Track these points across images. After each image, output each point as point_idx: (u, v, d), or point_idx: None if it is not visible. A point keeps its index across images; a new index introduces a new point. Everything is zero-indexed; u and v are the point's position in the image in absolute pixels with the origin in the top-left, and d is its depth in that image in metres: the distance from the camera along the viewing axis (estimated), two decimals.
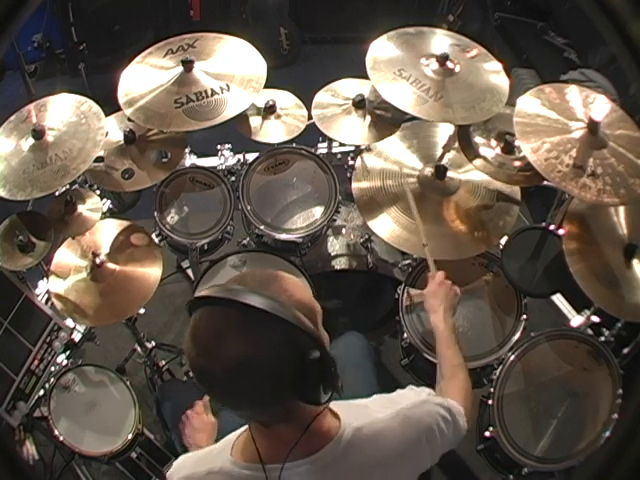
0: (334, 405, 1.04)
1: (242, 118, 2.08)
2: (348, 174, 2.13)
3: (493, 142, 1.94)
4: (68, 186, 1.97)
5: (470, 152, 1.92)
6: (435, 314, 1.58)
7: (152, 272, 1.95)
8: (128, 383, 1.98)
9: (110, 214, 2.19)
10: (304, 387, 0.96)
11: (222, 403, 1.02)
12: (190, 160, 2.27)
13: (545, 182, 1.79)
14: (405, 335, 1.95)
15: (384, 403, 1.17)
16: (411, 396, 1.21)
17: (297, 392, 0.96)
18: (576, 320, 1.97)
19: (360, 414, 1.12)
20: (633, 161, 1.70)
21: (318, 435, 1.05)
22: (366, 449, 1.08)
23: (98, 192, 2.07)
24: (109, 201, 2.22)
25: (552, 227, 1.93)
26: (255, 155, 2.21)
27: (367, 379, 1.81)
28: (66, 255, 1.98)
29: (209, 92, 1.96)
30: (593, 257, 1.74)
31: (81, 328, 2.06)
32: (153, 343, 2.32)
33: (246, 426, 1.10)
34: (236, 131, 2.11)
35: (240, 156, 2.30)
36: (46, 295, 2.02)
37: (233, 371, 0.94)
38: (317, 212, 2.14)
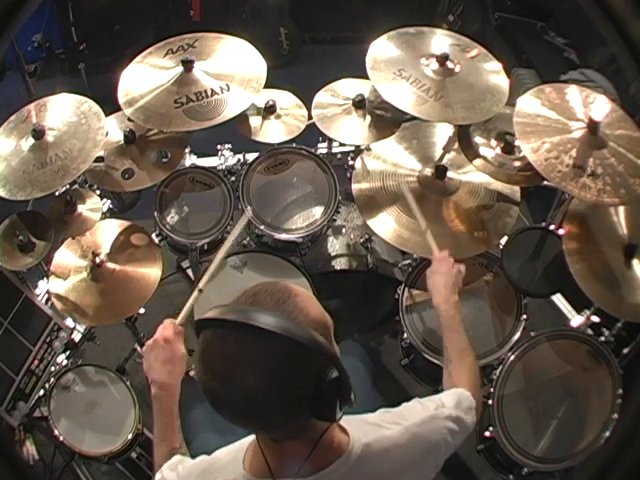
0: (342, 420, 1.03)
1: (242, 118, 2.08)
2: (348, 174, 2.13)
3: (493, 142, 1.94)
4: (68, 186, 1.97)
5: (470, 152, 1.92)
6: (437, 293, 1.55)
7: (152, 272, 1.95)
8: (128, 383, 1.98)
9: (110, 214, 2.19)
10: (321, 407, 0.94)
11: (233, 423, 0.98)
12: (190, 160, 2.27)
13: (545, 182, 1.79)
14: (405, 335, 1.95)
15: (392, 418, 1.15)
16: (419, 410, 1.19)
17: (314, 412, 0.94)
18: (576, 320, 1.97)
19: (368, 430, 1.11)
20: (633, 161, 1.70)
21: (328, 450, 1.04)
22: (375, 465, 1.07)
23: (98, 192, 2.07)
24: (109, 201, 2.22)
25: (552, 227, 1.93)
26: (255, 155, 2.21)
27: (365, 395, 1.80)
28: (66, 255, 1.98)
29: (209, 92, 1.96)
30: (593, 257, 1.74)
31: (81, 328, 2.06)
32: None
33: (253, 436, 1.08)
34: (236, 131, 2.11)
35: (240, 156, 2.29)
36: (46, 295, 2.01)
37: (248, 396, 0.92)
38: (317, 212, 2.14)
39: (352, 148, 2.21)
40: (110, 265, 1.94)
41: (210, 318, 0.93)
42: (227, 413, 0.98)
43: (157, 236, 2.12)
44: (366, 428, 1.11)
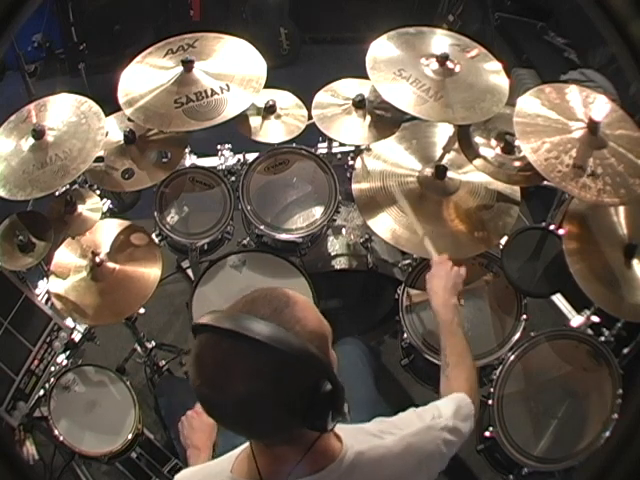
0: (336, 427, 1.02)
1: (242, 118, 2.08)
2: (348, 174, 2.13)
3: (493, 142, 1.94)
4: (68, 186, 1.97)
5: (470, 152, 1.92)
6: (436, 296, 1.54)
7: (152, 272, 1.95)
8: (128, 383, 1.98)
9: (110, 214, 2.19)
10: (313, 417, 0.94)
11: (226, 428, 1.00)
12: (190, 160, 2.26)
13: (545, 182, 1.79)
14: (405, 335, 1.95)
15: (387, 428, 1.14)
16: (414, 420, 1.18)
17: (306, 422, 0.94)
18: (576, 320, 1.97)
19: (362, 438, 1.10)
20: (633, 161, 1.70)
21: (320, 455, 1.04)
22: (367, 473, 1.06)
23: (98, 192, 2.07)
24: (109, 201, 2.22)
25: (552, 227, 1.93)
26: (255, 155, 2.21)
27: (367, 389, 1.80)
28: (66, 255, 1.98)
29: (209, 92, 1.96)
30: (593, 257, 1.74)
31: (81, 328, 2.06)
32: (153, 343, 2.33)
33: (247, 443, 1.09)
34: (236, 131, 2.10)
35: (240, 156, 2.29)
36: (46, 295, 2.01)
37: (240, 404, 0.92)
38: (317, 212, 2.14)
39: (352, 148, 2.21)
40: (110, 265, 1.94)
41: (205, 324, 0.93)
42: (217, 418, 0.99)
43: (157, 236, 2.12)
44: (360, 436, 1.10)
